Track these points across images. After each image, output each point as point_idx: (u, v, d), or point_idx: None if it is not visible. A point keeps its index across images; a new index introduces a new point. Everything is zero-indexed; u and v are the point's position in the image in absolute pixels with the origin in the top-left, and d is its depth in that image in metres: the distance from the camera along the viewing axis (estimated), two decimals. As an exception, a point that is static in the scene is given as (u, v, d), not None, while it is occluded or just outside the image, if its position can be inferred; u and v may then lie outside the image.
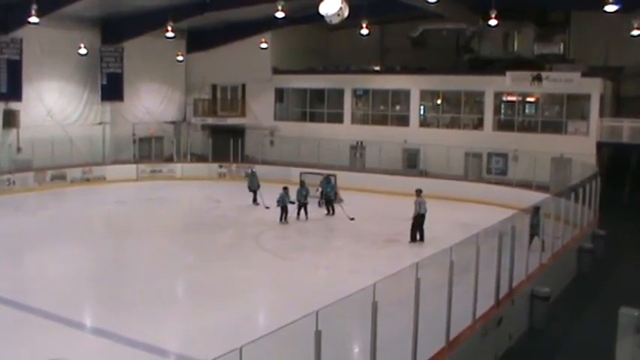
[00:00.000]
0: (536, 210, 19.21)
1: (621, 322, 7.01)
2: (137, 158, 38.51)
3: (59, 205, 29.84)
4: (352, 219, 26.67)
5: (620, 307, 7.23)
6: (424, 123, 37.24)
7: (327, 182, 28.67)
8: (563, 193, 21.73)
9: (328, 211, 27.91)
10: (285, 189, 26.88)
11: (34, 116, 33.84)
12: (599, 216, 24.51)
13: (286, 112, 41.29)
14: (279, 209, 26.39)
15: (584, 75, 31.96)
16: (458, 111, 36.37)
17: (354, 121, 38.76)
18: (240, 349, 6.85)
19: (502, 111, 35.90)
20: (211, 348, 8.97)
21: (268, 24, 35.46)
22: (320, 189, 28.97)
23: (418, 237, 22.90)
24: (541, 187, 28.05)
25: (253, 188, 29.96)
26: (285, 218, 26.34)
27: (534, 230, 18.68)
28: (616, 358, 7.10)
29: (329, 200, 28.07)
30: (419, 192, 23.32)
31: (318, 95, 40.31)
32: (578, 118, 33.06)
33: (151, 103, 40.31)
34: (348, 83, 38.76)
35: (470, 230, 14.63)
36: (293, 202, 26.61)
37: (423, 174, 33.93)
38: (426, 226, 23.02)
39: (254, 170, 30.89)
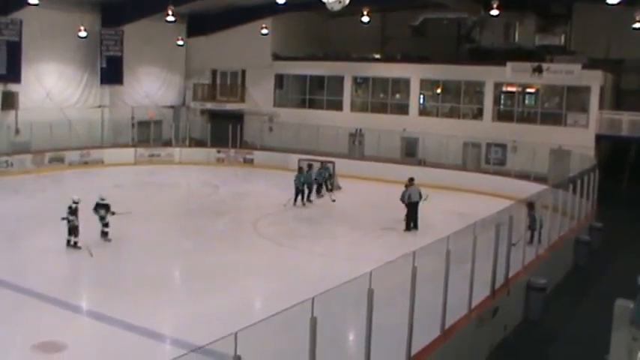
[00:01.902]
0: (530, 205, 19.32)
1: (616, 314, 7.02)
2: (135, 142, 38.39)
3: (57, 188, 29.73)
4: (333, 200, 27.89)
5: (616, 299, 7.24)
6: (423, 112, 37.17)
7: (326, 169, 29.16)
8: (562, 185, 21.76)
9: (318, 192, 28.47)
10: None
11: (33, 98, 33.74)
12: (596, 208, 24.54)
13: (286, 98, 41.18)
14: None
15: (584, 67, 31.87)
16: (457, 101, 36.28)
17: (353, 108, 38.67)
18: (236, 335, 6.86)
19: (502, 101, 35.87)
20: (207, 333, 8.97)
21: (269, 10, 35.29)
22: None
23: (412, 225, 22.98)
24: (539, 179, 28.00)
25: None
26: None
27: (533, 225, 18.79)
28: (611, 350, 7.12)
29: (319, 184, 28.55)
30: (411, 180, 23.35)
31: (318, 82, 40.17)
32: (578, 110, 32.99)
33: (151, 87, 40.20)
34: (348, 71, 38.65)
35: (467, 220, 14.67)
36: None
37: (422, 163, 33.86)
38: (423, 214, 23.06)
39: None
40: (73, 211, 19.03)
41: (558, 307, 16.46)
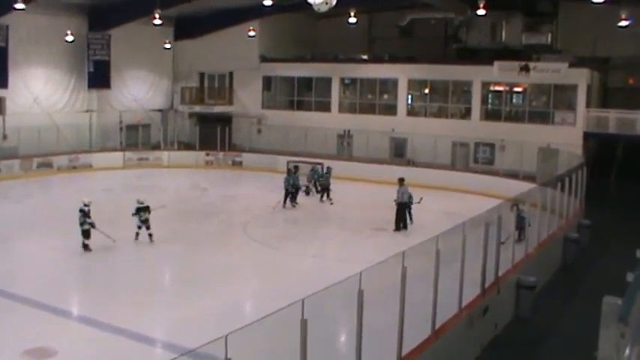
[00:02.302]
0: (516, 204, 19.36)
1: (604, 311, 7.02)
2: (124, 146, 38.27)
3: (45, 193, 29.70)
4: (332, 203, 27.67)
5: (604, 296, 7.26)
6: (412, 112, 37.28)
7: (315, 172, 29.03)
8: (550, 183, 21.85)
9: (322, 197, 28.23)
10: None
11: (20, 103, 33.61)
12: (584, 206, 24.64)
13: (274, 100, 41.18)
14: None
15: (571, 65, 32.03)
16: (445, 100, 36.39)
17: (341, 109, 38.68)
18: (226, 337, 6.86)
19: (489, 101, 36.00)
20: (198, 336, 8.98)
21: (256, 12, 35.29)
22: (312, 181, 29.00)
23: (402, 225, 23.02)
24: (528, 177, 28.11)
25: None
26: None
27: (520, 223, 18.82)
28: (599, 347, 7.14)
29: (325, 188, 28.24)
30: (401, 181, 23.39)
31: (305, 84, 40.18)
32: (565, 108, 33.16)
33: (138, 91, 40.12)
34: (336, 72, 38.67)
35: (456, 219, 14.69)
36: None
37: (410, 163, 33.90)
38: (412, 214, 23.14)
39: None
40: (86, 214, 19.23)
41: (548, 305, 16.52)
